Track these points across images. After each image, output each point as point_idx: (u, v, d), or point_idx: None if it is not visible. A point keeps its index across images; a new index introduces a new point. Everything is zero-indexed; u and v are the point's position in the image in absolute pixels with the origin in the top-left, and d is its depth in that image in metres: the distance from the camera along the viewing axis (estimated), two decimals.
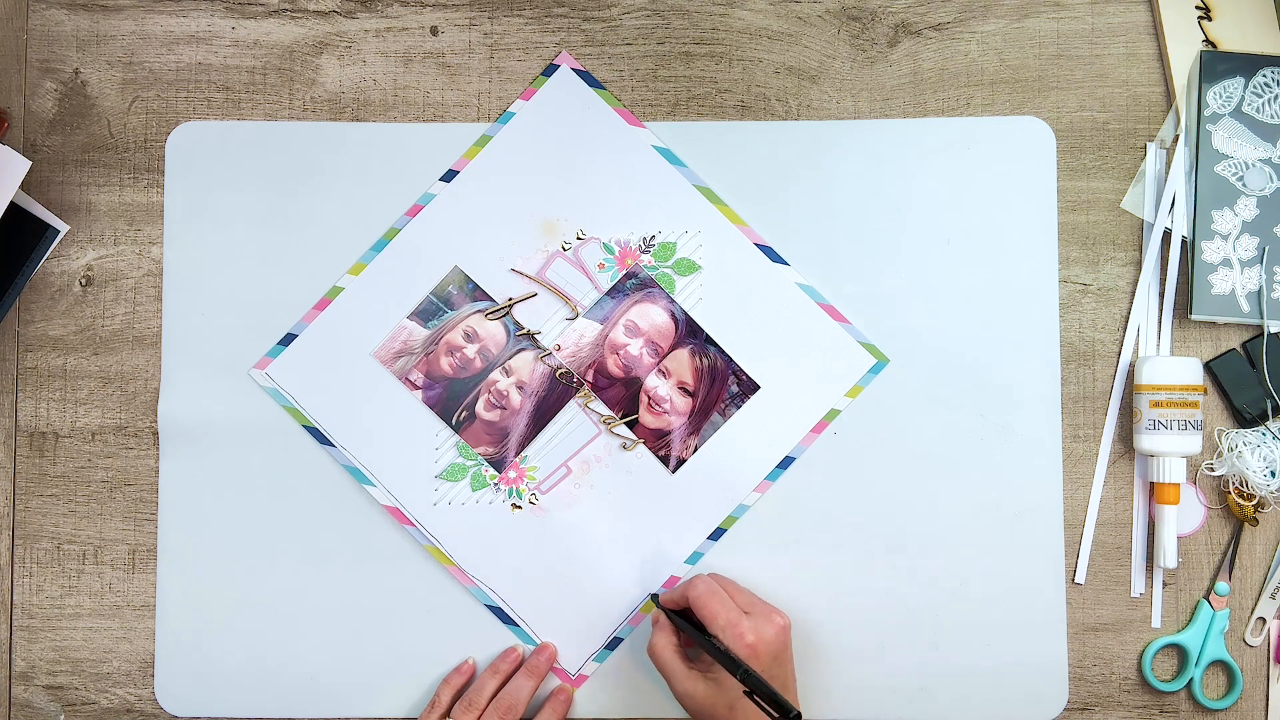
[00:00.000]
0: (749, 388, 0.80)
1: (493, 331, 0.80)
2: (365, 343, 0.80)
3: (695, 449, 0.80)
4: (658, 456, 0.80)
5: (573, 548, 0.80)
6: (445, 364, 0.80)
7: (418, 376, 0.80)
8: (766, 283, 0.80)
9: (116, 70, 0.82)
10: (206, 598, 0.80)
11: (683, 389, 0.80)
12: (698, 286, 0.80)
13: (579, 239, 0.80)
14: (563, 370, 0.80)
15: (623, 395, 0.80)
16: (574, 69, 0.81)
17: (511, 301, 0.80)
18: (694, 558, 0.80)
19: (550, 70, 0.81)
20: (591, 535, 0.80)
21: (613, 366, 0.80)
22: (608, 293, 0.80)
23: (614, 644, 0.80)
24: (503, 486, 0.80)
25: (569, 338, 0.80)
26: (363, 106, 0.81)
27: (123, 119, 0.82)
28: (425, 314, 0.80)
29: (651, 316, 0.80)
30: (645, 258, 0.80)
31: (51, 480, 0.81)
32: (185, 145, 0.81)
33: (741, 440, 0.80)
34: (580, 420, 0.80)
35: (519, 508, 0.80)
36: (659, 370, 0.80)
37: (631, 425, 0.80)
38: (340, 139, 0.81)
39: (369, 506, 0.80)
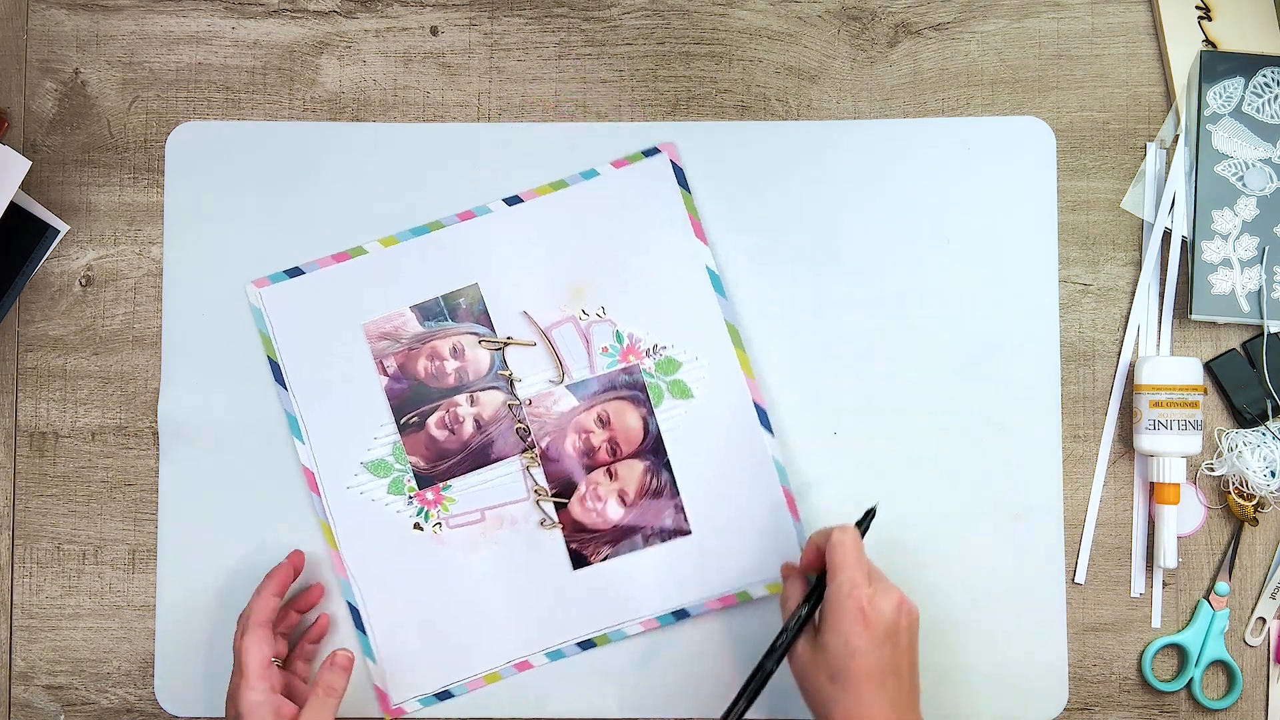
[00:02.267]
0: (679, 529, 0.79)
1: (479, 358, 0.79)
2: (361, 310, 0.80)
3: (605, 559, 0.78)
4: (568, 547, 0.79)
5: (453, 589, 0.79)
6: (422, 366, 0.79)
7: (391, 365, 0.79)
8: (746, 442, 0.79)
9: (116, 70, 0.82)
10: (206, 598, 0.80)
11: (621, 498, 0.79)
12: (681, 413, 0.79)
13: (598, 315, 0.79)
14: (522, 426, 0.79)
15: (564, 476, 0.79)
16: (674, 163, 0.80)
17: (508, 340, 0.79)
18: (555, 654, 0.78)
19: (651, 152, 0.80)
20: (475, 586, 0.79)
21: (569, 446, 0.79)
22: (598, 376, 0.79)
23: (444, 695, 0.78)
24: (416, 503, 0.79)
25: (544, 400, 0.79)
26: (363, 106, 0.81)
27: (123, 119, 0.82)
28: (427, 312, 0.80)
29: (626, 417, 0.79)
30: (647, 362, 0.79)
31: (51, 480, 0.81)
32: (185, 145, 0.81)
33: (649, 573, 0.78)
34: (516, 479, 0.79)
35: (420, 529, 0.79)
36: (608, 470, 0.79)
37: (559, 508, 0.79)
38: (340, 139, 0.81)
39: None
